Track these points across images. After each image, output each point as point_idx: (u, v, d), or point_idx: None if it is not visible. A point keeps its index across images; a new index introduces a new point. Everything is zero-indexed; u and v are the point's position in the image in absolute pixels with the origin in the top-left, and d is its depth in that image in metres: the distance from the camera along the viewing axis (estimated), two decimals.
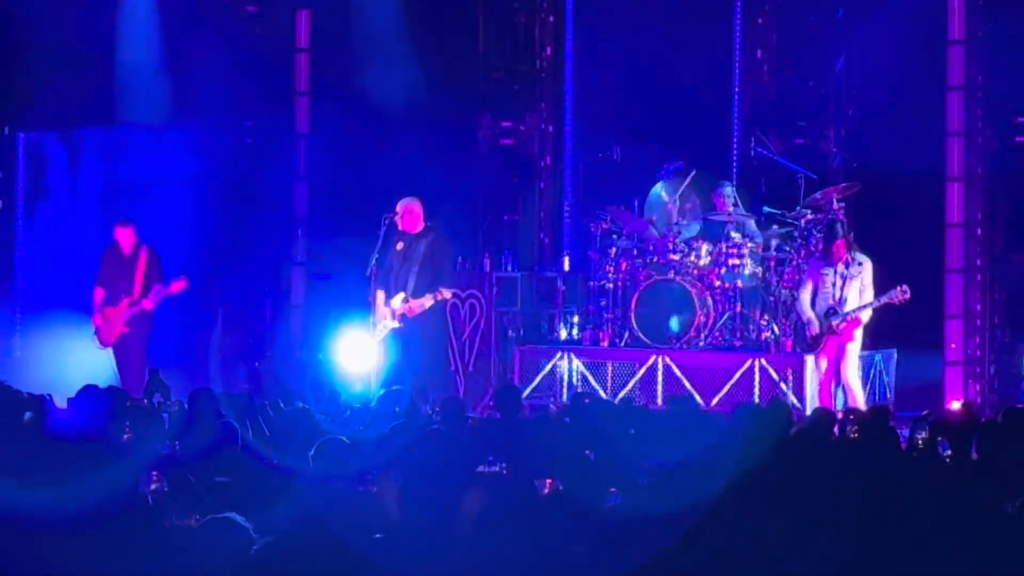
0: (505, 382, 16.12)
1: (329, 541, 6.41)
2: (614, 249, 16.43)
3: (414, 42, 18.09)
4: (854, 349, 14.66)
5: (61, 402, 11.57)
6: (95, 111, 18.24)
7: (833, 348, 14.63)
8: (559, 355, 16.29)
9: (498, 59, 18.54)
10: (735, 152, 17.70)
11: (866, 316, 14.62)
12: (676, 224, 16.32)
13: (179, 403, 13.23)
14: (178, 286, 15.87)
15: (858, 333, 14.68)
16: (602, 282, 16.47)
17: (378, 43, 18.23)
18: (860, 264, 14.56)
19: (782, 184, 16.64)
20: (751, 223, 16.32)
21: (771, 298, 15.97)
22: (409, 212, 15.11)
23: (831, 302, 14.55)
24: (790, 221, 15.99)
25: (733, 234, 16.10)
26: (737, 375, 15.55)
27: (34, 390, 11.85)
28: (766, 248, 16.10)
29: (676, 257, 16.10)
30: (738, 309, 16.00)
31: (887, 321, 15.05)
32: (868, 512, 7.37)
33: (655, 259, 16.26)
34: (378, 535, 7.02)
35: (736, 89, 17.75)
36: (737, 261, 15.97)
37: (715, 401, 15.52)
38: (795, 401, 15.09)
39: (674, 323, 15.96)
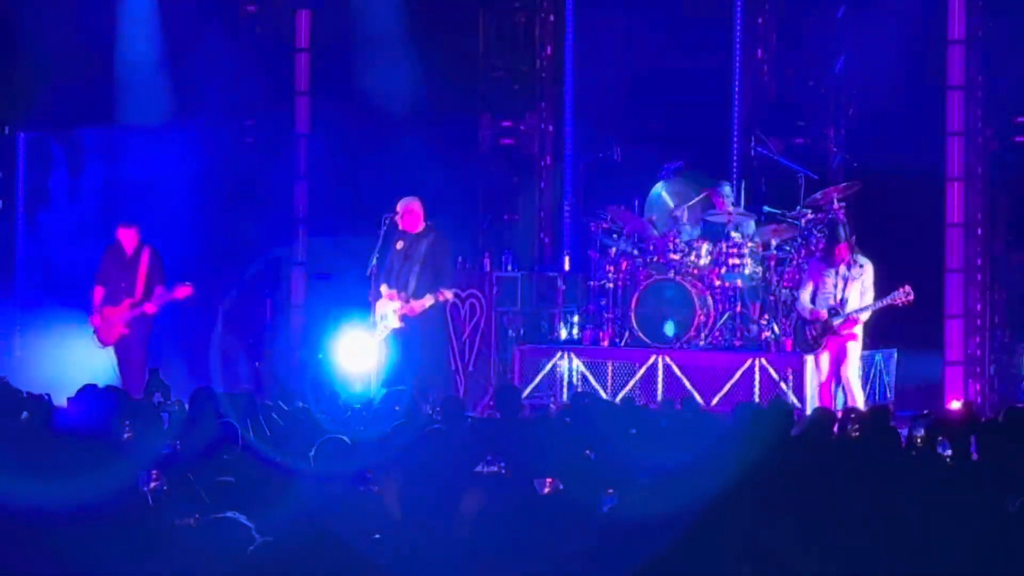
0: (505, 382, 16.12)
1: (329, 541, 6.41)
2: (614, 249, 16.43)
3: (414, 42, 18.09)
4: (855, 350, 14.66)
5: (60, 402, 11.57)
6: (95, 111, 18.25)
7: (834, 348, 14.63)
8: (559, 355, 16.29)
9: (498, 59, 18.54)
10: (735, 152, 17.70)
11: (865, 316, 14.63)
12: (678, 226, 16.32)
13: (179, 402, 13.24)
14: (183, 292, 15.83)
15: (859, 333, 14.68)
16: (602, 282, 16.47)
17: (378, 43, 18.23)
18: (861, 266, 14.57)
19: (782, 184, 16.64)
20: (751, 223, 16.32)
21: (771, 298, 15.97)
22: (409, 212, 15.11)
23: (832, 303, 14.55)
24: (790, 221, 15.99)
25: (733, 234, 16.10)
26: (737, 375, 15.55)
27: (34, 390, 11.85)
28: (766, 247, 16.10)
29: (676, 257, 16.10)
30: (738, 309, 16.00)
31: (887, 321, 15.06)
32: (869, 512, 7.36)
33: (655, 259, 16.26)
34: (378, 535, 7.02)
35: (736, 89, 17.75)
36: (737, 261, 15.97)
37: (715, 401, 15.52)
38: (795, 401, 15.09)
39: (669, 328, 15.95)
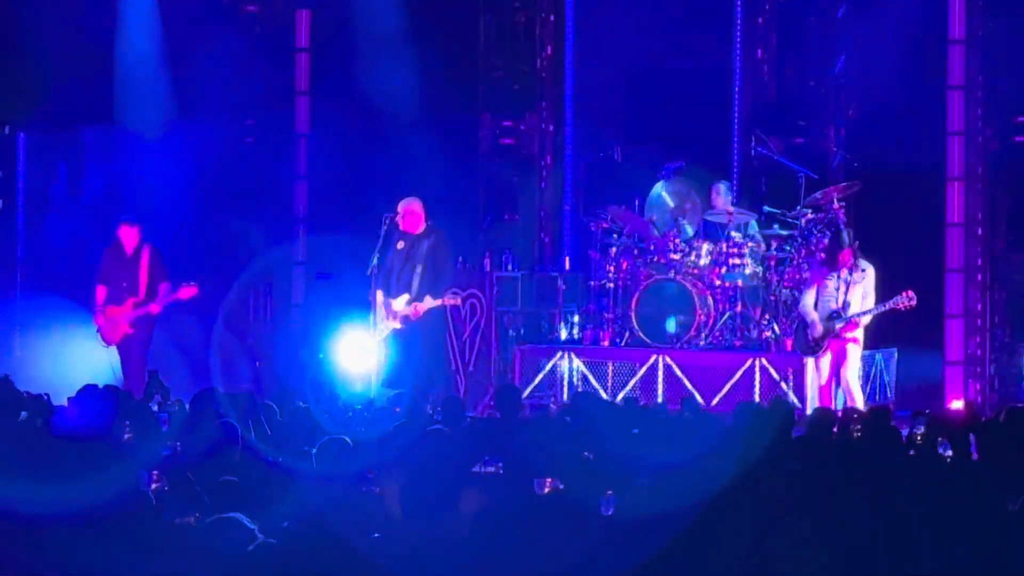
0: (505, 382, 16.11)
1: (330, 541, 6.41)
2: (614, 249, 16.43)
3: (414, 42, 18.09)
4: (856, 352, 14.66)
5: (61, 401, 11.57)
6: (95, 111, 18.25)
7: (834, 350, 14.63)
8: (559, 355, 16.29)
9: (498, 58, 18.53)
10: (735, 151, 17.70)
11: (867, 320, 14.63)
12: (678, 226, 16.33)
13: (179, 403, 13.24)
14: (187, 292, 15.81)
15: (860, 336, 14.68)
16: (603, 281, 16.47)
17: (378, 43, 18.23)
18: (863, 271, 14.57)
19: (783, 184, 16.63)
20: (752, 222, 16.33)
21: (772, 297, 15.96)
22: (410, 212, 15.11)
23: (834, 307, 14.54)
24: (791, 220, 15.99)
25: (734, 234, 16.10)
26: (738, 375, 15.55)
27: (34, 389, 11.85)
28: (767, 247, 16.10)
29: (677, 257, 16.10)
30: (739, 309, 16.00)
31: (888, 321, 15.05)
32: (870, 512, 7.36)
33: (656, 259, 16.27)
34: (378, 535, 7.02)
35: (736, 89, 17.74)
36: (738, 261, 15.97)
37: (715, 401, 15.52)
38: (795, 401, 15.09)
39: (671, 325, 15.96)
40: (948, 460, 9.49)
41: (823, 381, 14.76)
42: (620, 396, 15.68)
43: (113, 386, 12.23)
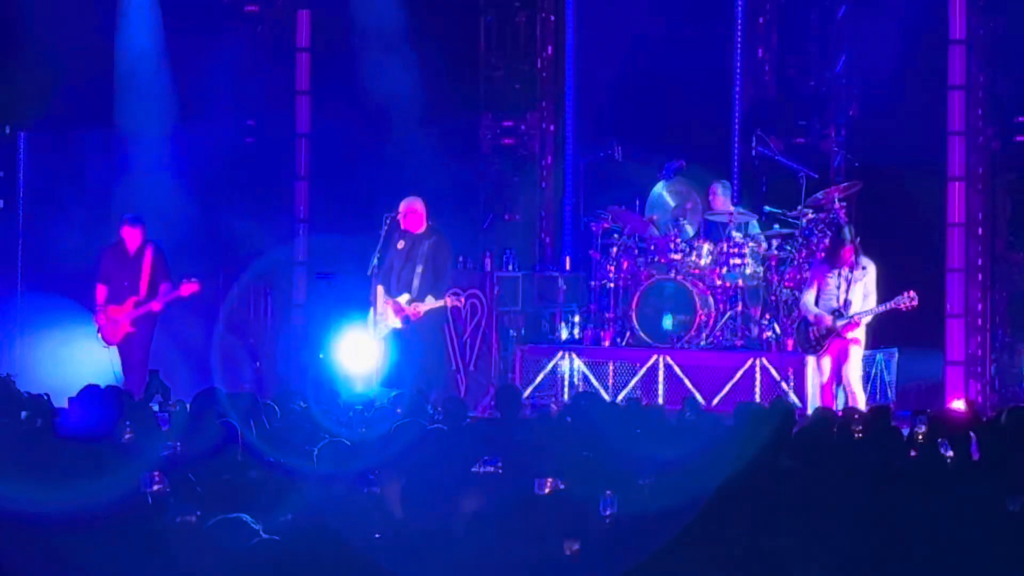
0: (506, 382, 16.11)
1: (332, 541, 6.41)
2: (615, 248, 16.44)
3: (415, 41, 18.08)
4: (857, 352, 14.65)
5: (60, 401, 11.56)
6: (95, 111, 18.23)
7: (836, 349, 14.62)
8: (560, 355, 16.29)
9: (499, 58, 18.52)
10: (736, 151, 17.70)
11: (868, 319, 14.62)
12: (679, 225, 16.33)
13: (180, 403, 13.23)
14: (189, 289, 15.81)
15: (861, 335, 14.67)
16: (603, 281, 16.48)
17: (379, 43, 18.22)
18: (864, 268, 14.55)
19: (783, 183, 16.64)
20: (752, 222, 16.33)
21: (772, 297, 15.97)
22: (413, 212, 15.11)
23: (835, 305, 14.53)
24: (791, 220, 15.98)
25: (734, 234, 16.10)
26: (738, 375, 15.56)
27: (34, 389, 11.85)
28: (768, 247, 16.10)
29: (677, 256, 16.11)
30: (739, 308, 16.00)
31: (888, 321, 15.05)
32: (870, 511, 7.36)
33: (656, 258, 16.27)
34: (379, 535, 7.02)
35: (737, 88, 17.74)
36: (738, 260, 15.97)
37: (716, 401, 15.53)
38: (796, 400, 15.09)
39: (667, 322, 15.97)
40: (949, 460, 9.48)
41: (824, 380, 14.75)
42: (621, 396, 15.69)
43: (115, 386, 12.23)
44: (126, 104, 18.41)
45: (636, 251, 16.44)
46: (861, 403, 14.36)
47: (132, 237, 16.03)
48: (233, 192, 18.66)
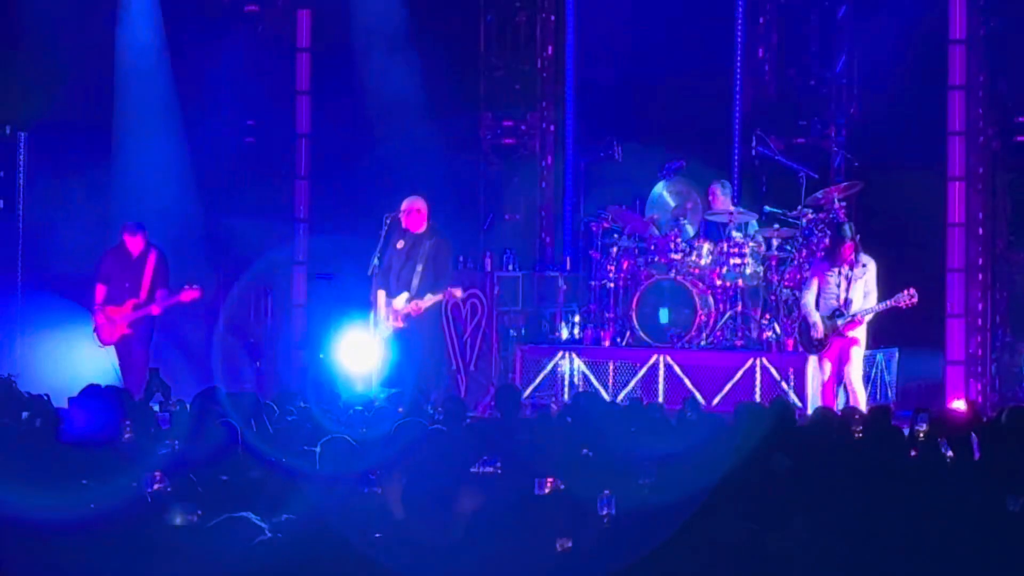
0: (506, 381, 16.11)
1: (333, 541, 6.41)
2: (615, 248, 16.44)
3: (415, 41, 18.08)
4: (858, 351, 14.65)
5: (61, 401, 11.56)
6: (95, 111, 18.22)
7: (836, 349, 14.62)
8: (560, 354, 16.29)
9: (499, 58, 18.53)
10: (736, 151, 17.70)
11: (869, 317, 14.62)
12: (679, 225, 16.33)
13: (180, 403, 13.23)
14: (190, 295, 15.82)
15: (862, 335, 14.67)
16: (603, 281, 16.48)
17: (379, 42, 18.22)
18: (864, 266, 14.56)
19: (783, 183, 16.64)
20: (752, 222, 16.33)
21: (772, 297, 15.97)
22: (415, 211, 15.13)
23: (835, 303, 14.53)
24: (791, 220, 15.99)
25: (735, 233, 16.10)
26: (738, 375, 15.56)
27: (35, 389, 11.84)
28: (768, 247, 16.10)
29: (677, 256, 16.11)
30: (739, 308, 16.00)
31: (889, 320, 15.06)
32: (871, 511, 7.36)
33: (656, 258, 16.27)
34: (379, 535, 7.02)
35: (737, 88, 17.74)
36: (738, 260, 15.97)
37: (716, 401, 15.53)
38: (796, 400, 15.09)
39: (663, 315, 15.97)
40: (948, 460, 9.48)
41: (825, 379, 14.75)
42: (621, 396, 15.69)
43: (116, 387, 12.23)
44: (126, 104, 18.40)
45: (636, 251, 16.44)
46: (862, 403, 14.37)
47: (134, 244, 16.04)
48: (233, 192, 18.65)
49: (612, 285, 16.42)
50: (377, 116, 18.15)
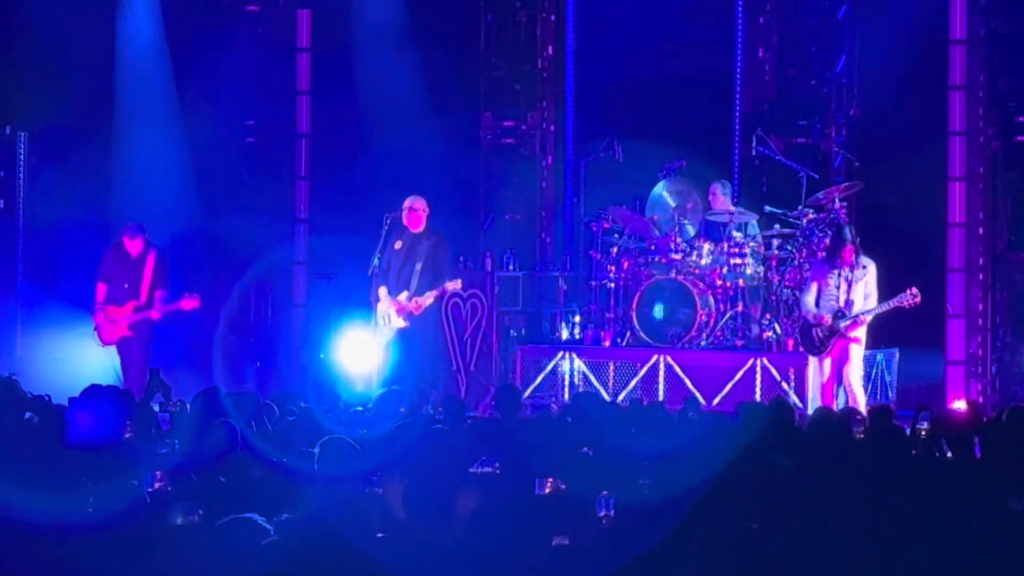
0: (506, 382, 16.10)
1: (333, 541, 6.40)
2: (616, 248, 16.44)
3: (415, 41, 18.08)
4: (858, 352, 14.64)
5: (61, 401, 11.55)
6: (95, 111, 18.22)
7: (837, 349, 14.61)
8: (561, 355, 16.29)
9: (499, 58, 18.52)
10: (736, 151, 17.69)
11: (871, 318, 14.61)
12: (679, 225, 16.33)
13: (180, 403, 13.23)
14: (189, 303, 15.83)
15: (862, 335, 14.67)
16: (604, 281, 16.47)
17: (379, 42, 18.22)
18: (864, 268, 14.55)
19: (783, 183, 16.63)
20: (752, 222, 16.33)
21: (773, 297, 15.96)
22: (417, 209, 15.14)
23: (836, 305, 14.52)
24: (792, 220, 15.98)
25: (735, 233, 16.10)
26: (739, 375, 15.55)
27: (35, 389, 11.84)
28: (767, 247, 16.10)
29: (678, 256, 16.10)
30: (740, 308, 16.00)
31: (889, 321, 15.05)
32: (873, 511, 7.35)
33: (657, 258, 16.27)
34: (381, 535, 7.01)
35: (737, 88, 17.74)
36: (739, 260, 15.96)
37: (717, 401, 15.52)
38: (796, 401, 15.09)
39: (664, 315, 15.97)
40: (949, 460, 9.48)
41: (825, 380, 14.74)
42: (621, 396, 15.69)
43: (117, 388, 12.22)
44: (126, 104, 18.40)
45: (636, 251, 16.44)
46: (861, 403, 14.35)
47: (133, 245, 16.04)
48: (233, 192, 18.65)
49: (612, 285, 16.42)
50: (377, 116, 18.15)
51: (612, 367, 16.14)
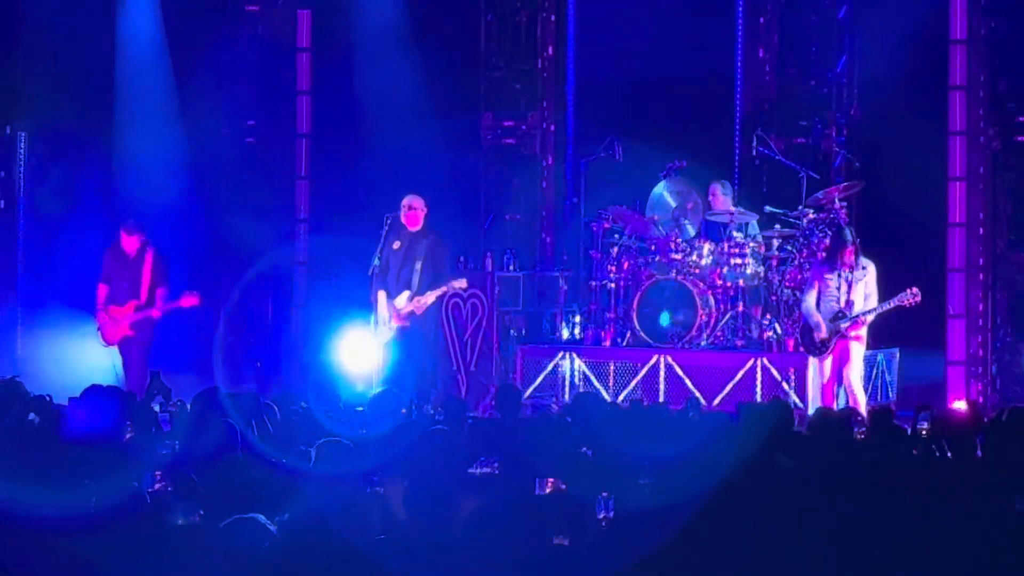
0: (507, 382, 16.10)
1: (333, 541, 6.40)
2: (616, 248, 16.44)
3: (415, 41, 18.09)
4: (859, 352, 14.63)
5: (62, 401, 11.55)
6: (95, 111, 18.23)
7: (837, 350, 14.61)
8: (561, 355, 16.28)
9: (499, 58, 18.53)
10: (736, 151, 17.70)
11: (872, 318, 14.61)
12: (680, 225, 16.33)
13: (180, 403, 13.22)
14: (189, 301, 15.85)
15: (863, 335, 14.66)
16: (604, 282, 16.47)
17: (379, 42, 18.23)
18: (864, 268, 14.55)
19: (784, 183, 16.63)
20: (753, 222, 16.32)
21: (773, 297, 15.96)
22: (416, 208, 15.14)
23: (837, 306, 14.51)
24: (792, 220, 15.98)
25: (735, 234, 16.09)
26: (739, 375, 15.54)
27: (35, 389, 11.84)
28: (768, 248, 16.10)
29: (678, 256, 16.10)
30: (740, 309, 15.99)
31: (889, 321, 15.04)
32: (874, 512, 7.35)
33: (657, 258, 16.27)
34: (382, 535, 7.01)
35: (738, 88, 17.74)
36: (739, 260, 15.96)
37: (717, 401, 15.52)
38: (797, 401, 15.09)
39: (664, 319, 15.97)
40: (950, 460, 9.47)
41: (825, 380, 14.74)
42: (622, 396, 15.69)
43: (117, 387, 12.22)
44: (126, 104, 18.41)
45: (637, 251, 16.44)
46: (862, 404, 14.35)
47: (129, 242, 16.04)
48: (233, 192, 18.65)
49: (613, 285, 16.41)
50: (377, 116, 18.16)
51: (612, 367, 16.13)
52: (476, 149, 18.55)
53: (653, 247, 16.34)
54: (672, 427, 11.00)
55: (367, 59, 18.26)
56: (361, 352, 15.42)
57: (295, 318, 18.69)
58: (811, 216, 15.81)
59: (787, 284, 15.81)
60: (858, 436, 10.10)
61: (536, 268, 17.64)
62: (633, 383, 15.89)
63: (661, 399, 15.54)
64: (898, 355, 16.35)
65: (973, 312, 16.48)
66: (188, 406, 11.28)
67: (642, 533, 6.84)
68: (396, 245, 15.13)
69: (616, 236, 16.54)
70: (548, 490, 8.37)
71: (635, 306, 16.10)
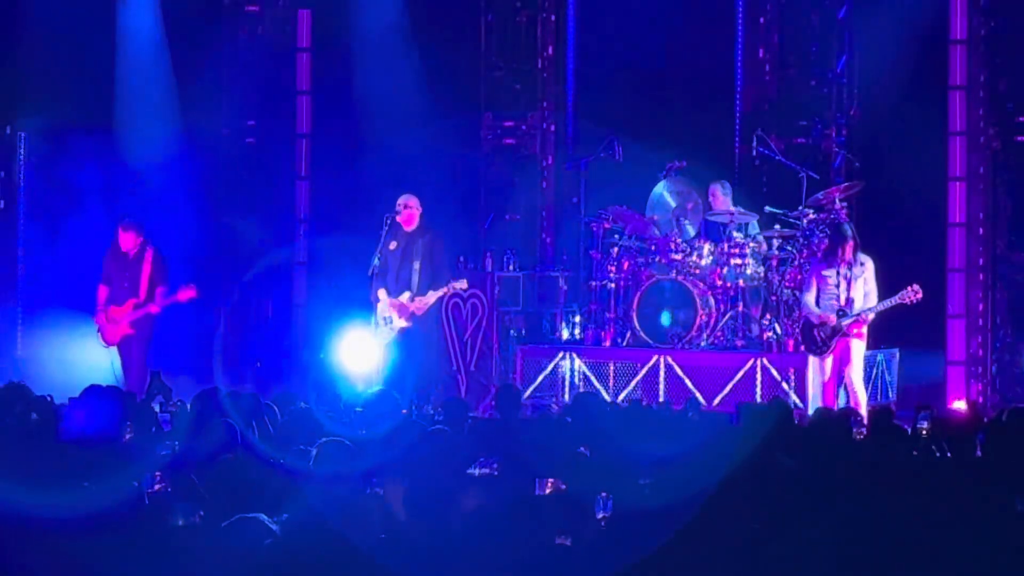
0: (506, 382, 16.10)
1: (333, 541, 6.40)
2: (616, 248, 16.44)
3: (415, 41, 18.10)
4: (859, 351, 14.62)
5: (62, 401, 11.55)
6: (96, 111, 18.24)
7: (838, 349, 14.60)
8: (561, 355, 16.28)
9: (500, 58, 18.53)
10: (737, 151, 17.70)
11: (873, 315, 14.60)
12: (680, 225, 16.33)
13: (180, 403, 13.22)
14: (186, 294, 15.84)
15: (864, 333, 14.66)
16: (604, 282, 16.47)
17: (379, 42, 18.23)
18: (862, 264, 14.54)
19: (784, 183, 16.63)
20: (753, 222, 16.33)
21: (773, 297, 15.96)
22: (411, 207, 15.14)
23: (836, 304, 14.50)
24: (792, 221, 15.98)
25: (735, 234, 16.09)
26: (739, 375, 15.54)
27: (36, 389, 11.84)
28: (768, 248, 16.10)
29: (678, 256, 16.10)
30: (740, 309, 15.99)
31: (889, 320, 15.04)
32: (874, 512, 7.35)
33: (657, 259, 16.27)
34: (382, 536, 7.01)
35: (738, 88, 17.74)
36: (739, 260, 15.96)
37: (717, 401, 15.52)
38: (797, 401, 15.09)
39: (665, 319, 15.97)
40: (950, 459, 9.48)
41: (826, 379, 14.73)
42: (622, 396, 15.68)
43: (117, 387, 12.23)
44: (126, 104, 18.41)
45: (637, 251, 16.44)
46: (862, 404, 14.35)
47: (126, 240, 16.04)
48: (233, 192, 18.67)
49: (613, 285, 16.41)
50: (377, 116, 18.16)
51: (612, 367, 16.13)
52: (476, 149, 18.56)
53: (653, 247, 16.33)
54: (672, 427, 11.01)
55: (367, 59, 18.27)
56: (361, 352, 15.42)
57: (295, 318, 18.70)
58: (811, 216, 15.81)
59: (787, 284, 15.81)
60: (858, 436, 10.10)
61: (536, 268, 17.65)
62: (633, 383, 15.89)
63: (661, 399, 15.53)
64: (898, 355, 16.35)
65: (973, 312, 16.49)
66: (188, 406, 11.28)
67: (642, 533, 6.84)
68: (392, 245, 15.14)
69: (616, 236, 16.54)
70: (548, 490, 8.36)
71: (635, 306, 16.10)
